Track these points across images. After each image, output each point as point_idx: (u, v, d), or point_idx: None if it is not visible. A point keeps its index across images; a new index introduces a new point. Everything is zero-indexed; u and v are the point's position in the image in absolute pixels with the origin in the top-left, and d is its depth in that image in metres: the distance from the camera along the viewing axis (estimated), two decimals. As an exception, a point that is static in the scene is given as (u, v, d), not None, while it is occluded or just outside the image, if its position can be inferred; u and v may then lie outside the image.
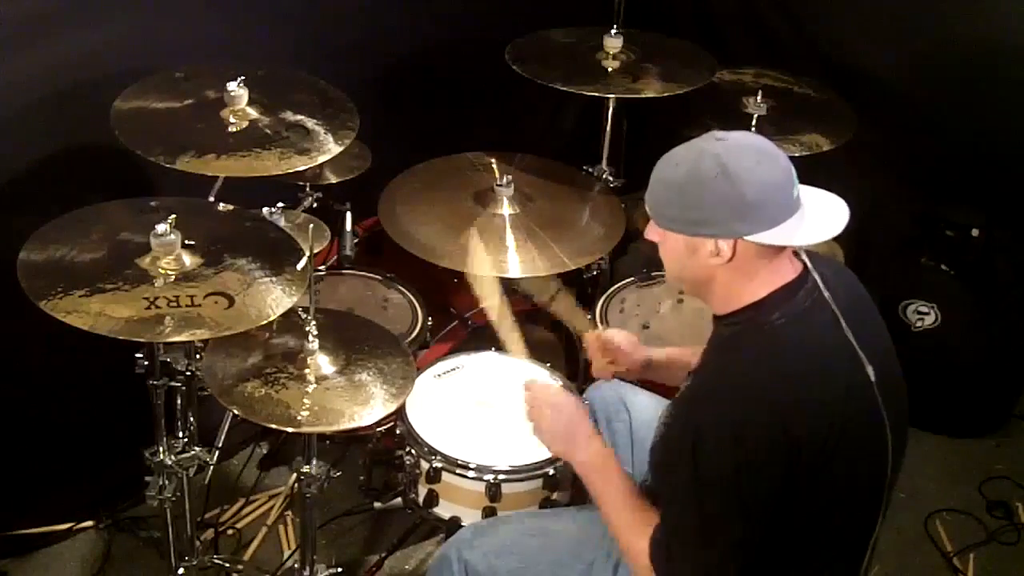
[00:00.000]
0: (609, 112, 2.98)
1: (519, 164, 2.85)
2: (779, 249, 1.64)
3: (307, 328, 2.01)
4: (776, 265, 1.65)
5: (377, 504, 2.58)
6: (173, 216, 1.93)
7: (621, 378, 2.21)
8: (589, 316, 2.50)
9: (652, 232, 1.72)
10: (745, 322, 1.66)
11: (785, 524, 1.61)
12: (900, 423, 1.70)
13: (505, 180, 2.66)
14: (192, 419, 2.27)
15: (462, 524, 2.26)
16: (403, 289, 2.80)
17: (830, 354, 1.63)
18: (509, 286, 2.40)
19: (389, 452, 2.50)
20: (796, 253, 1.70)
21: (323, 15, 2.82)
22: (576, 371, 2.75)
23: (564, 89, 2.72)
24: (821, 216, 1.63)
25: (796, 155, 2.72)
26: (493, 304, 2.30)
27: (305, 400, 1.97)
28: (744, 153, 1.60)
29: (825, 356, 1.63)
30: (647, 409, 2.18)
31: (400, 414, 2.36)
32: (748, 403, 1.58)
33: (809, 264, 1.69)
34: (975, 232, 3.05)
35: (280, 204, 2.45)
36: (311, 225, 2.03)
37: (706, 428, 1.59)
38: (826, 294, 1.65)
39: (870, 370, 1.64)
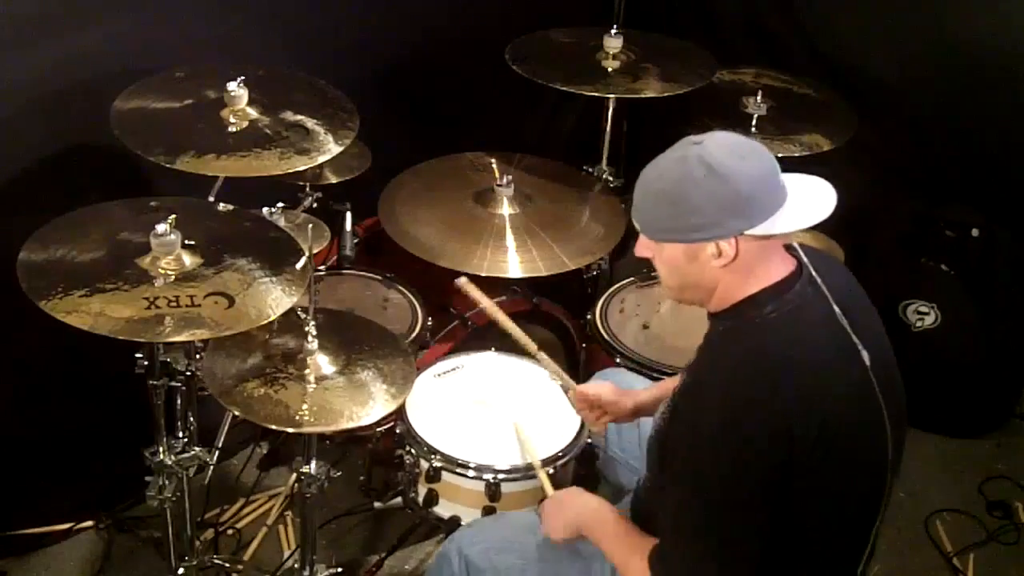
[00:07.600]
0: (609, 112, 2.98)
1: (519, 164, 2.86)
2: (775, 241, 1.63)
3: (307, 328, 2.01)
4: (771, 260, 1.65)
5: (377, 504, 2.58)
6: (173, 216, 1.93)
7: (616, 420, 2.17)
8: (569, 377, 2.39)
9: (643, 248, 1.70)
10: (737, 317, 1.65)
11: (783, 521, 1.60)
12: (898, 412, 1.69)
13: (505, 180, 2.66)
14: (192, 419, 2.26)
15: (462, 523, 2.26)
16: (403, 289, 2.79)
17: (825, 345, 1.63)
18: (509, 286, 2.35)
19: (389, 452, 2.49)
20: (789, 248, 1.69)
21: (322, 15, 2.82)
22: (576, 372, 2.75)
23: (564, 89, 2.72)
24: (809, 198, 1.63)
25: (796, 155, 2.73)
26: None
27: (305, 400, 1.96)
28: (726, 150, 1.60)
29: (820, 347, 1.62)
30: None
31: (400, 414, 2.36)
32: (740, 398, 1.57)
33: (804, 259, 1.68)
34: (975, 232, 3.05)
35: (280, 204, 2.44)
36: (311, 225, 2.03)
37: (701, 424, 1.60)
38: (822, 287, 1.65)
39: (865, 355, 1.63)
